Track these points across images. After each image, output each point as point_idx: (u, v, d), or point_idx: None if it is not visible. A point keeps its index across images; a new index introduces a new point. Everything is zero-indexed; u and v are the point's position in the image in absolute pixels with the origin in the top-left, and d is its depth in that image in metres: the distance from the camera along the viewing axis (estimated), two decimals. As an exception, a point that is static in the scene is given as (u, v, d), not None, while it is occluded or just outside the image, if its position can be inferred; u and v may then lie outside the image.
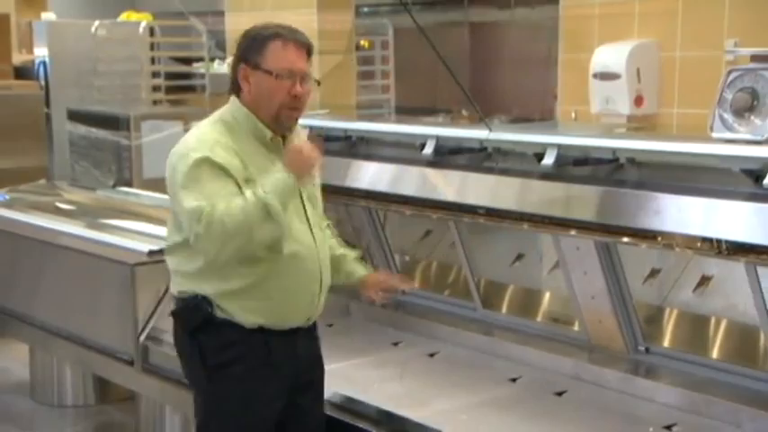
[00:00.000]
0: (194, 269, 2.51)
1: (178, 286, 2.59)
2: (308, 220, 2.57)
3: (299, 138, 2.62)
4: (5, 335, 4.71)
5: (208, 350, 2.53)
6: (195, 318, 2.52)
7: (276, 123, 2.52)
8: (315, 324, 2.70)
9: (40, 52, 6.92)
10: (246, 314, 2.51)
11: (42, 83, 6.70)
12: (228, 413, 2.55)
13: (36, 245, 4.15)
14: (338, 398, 2.93)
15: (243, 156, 2.46)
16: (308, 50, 2.53)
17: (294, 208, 2.51)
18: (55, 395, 4.60)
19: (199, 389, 2.62)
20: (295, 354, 2.59)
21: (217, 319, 2.51)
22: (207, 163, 2.41)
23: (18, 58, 6.72)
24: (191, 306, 2.53)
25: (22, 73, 6.56)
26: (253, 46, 2.50)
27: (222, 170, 2.41)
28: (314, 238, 2.57)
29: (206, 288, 2.51)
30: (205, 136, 2.49)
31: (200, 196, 2.39)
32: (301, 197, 2.56)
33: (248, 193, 2.40)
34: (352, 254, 2.83)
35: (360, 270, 2.82)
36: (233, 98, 2.56)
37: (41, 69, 6.76)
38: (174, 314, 2.60)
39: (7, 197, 4.81)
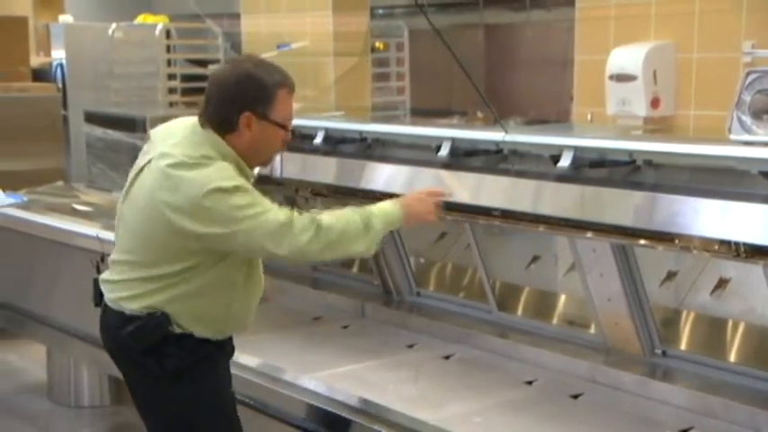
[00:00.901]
0: (166, 293, 2.50)
1: (137, 304, 2.52)
2: None
3: None
4: (23, 335, 4.76)
5: (165, 359, 2.52)
6: (155, 336, 2.51)
7: (263, 166, 2.64)
8: None
9: (58, 54, 6.96)
10: (202, 330, 2.56)
11: (60, 85, 6.74)
12: (208, 407, 2.58)
13: (53, 246, 4.18)
14: (353, 399, 2.93)
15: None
16: None
17: None
18: (72, 396, 4.63)
19: (162, 401, 2.60)
20: (232, 348, 2.75)
21: (174, 334, 2.53)
22: (246, 188, 2.43)
23: (36, 60, 6.76)
24: (150, 326, 2.51)
25: (40, 75, 6.60)
26: (262, 95, 2.46)
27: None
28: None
29: (168, 307, 2.51)
30: (219, 168, 2.43)
31: (278, 211, 2.43)
32: None
33: (354, 210, 2.51)
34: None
35: None
36: (212, 134, 2.47)
37: (59, 71, 6.80)
38: (130, 334, 2.52)
39: (25, 199, 4.85)
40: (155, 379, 2.55)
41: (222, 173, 2.43)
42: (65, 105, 6.64)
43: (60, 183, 5.45)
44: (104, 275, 2.66)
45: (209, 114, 2.49)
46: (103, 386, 4.57)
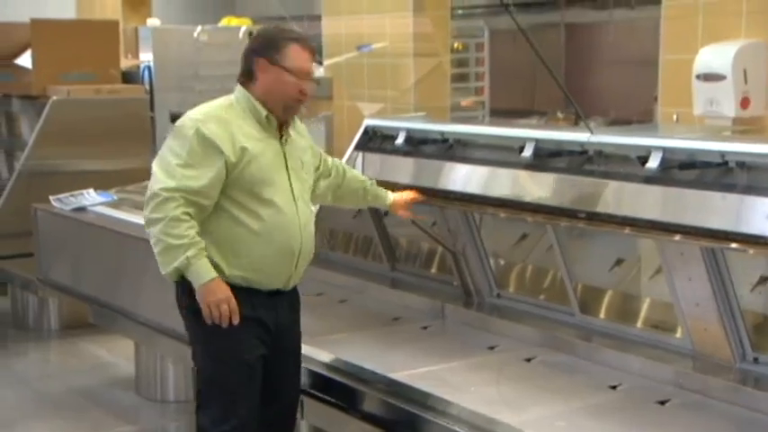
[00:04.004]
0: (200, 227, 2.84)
1: None
2: (292, 192, 2.94)
3: (297, 128, 3.06)
4: (112, 331, 4.89)
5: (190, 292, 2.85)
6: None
7: (283, 112, 2.92)
8: (297, 295, 3.07)
9: (146, 57, 7.13)
10: (230, 268, 2.85)
11: (147, 87, 6.90)
12: (217, 350, 2.87)
13: (141, 243, 4.28)
14: (433, 400, 2.93)
15: (239, 126, 2.85)
16: (315, 56, 2.99)
17: (280, 182, 2.90)
18: (158, 390, 4.74)
19: (191, 331, 2.98)
20: (276, 314, 2.95)
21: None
22: (198, 136, 2.80)
23: (124, 63, 6.95)
24: None
25: (129, 77, 6.77)
26: (272, 45, 2.88)
27: (210, 144, 2.79)
28: (297, 210, 2.93)
29: (204, 239, 2.83)
30: (204, 109, 2.90)
31: (177, 174, 2.78)
32: (287, 171, 2.93)
33: (190, 248, 2.75)
34: (371, 182, 3.41)
35: (385, 194, 3.42)
36: (238, 86, 2.94)
37: (146, 74, 6.98)
38: None
39: (115, 197, 4.99)
40: (183, 311, 2.92)
41: (198, 115, 2.85)
42: (152, 107, 6.80)
43: (148, 182, 5.58)
44: None
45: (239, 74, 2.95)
46: (189, 381, 4.65)
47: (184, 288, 2.88)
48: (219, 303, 2.78)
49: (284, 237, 2.90)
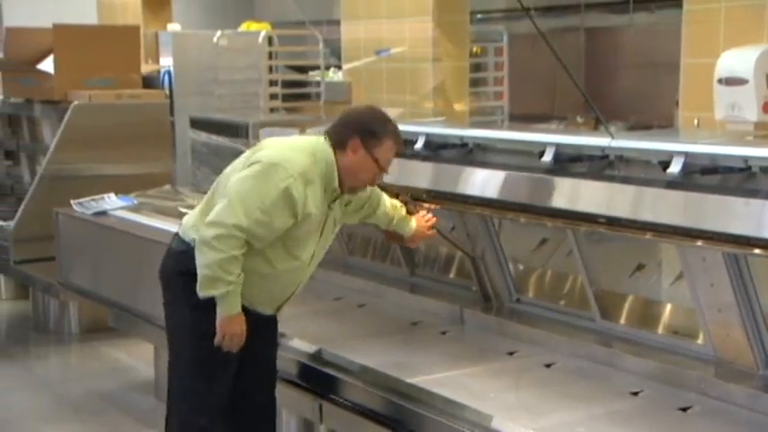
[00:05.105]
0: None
1: (195, 234, 2.99)
2: (314, 248, 3.09)
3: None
4: (132, 334, 4.92)
5: (191, 286, 2.97)
6: (193, 263, 2.96)
7: (348, 189, 3.08)
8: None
9: (166, 62, 7.18)
10: None
11: (167, 92, 6.94)
12: (201, 332, 3.00)
13: (161, 248, 4.30)
14: (452, 406, 2.92)
15: (313, 191, 2.95)
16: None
17: (311, 242, 3.05)
18: (177, 393, 4.75)
19: (180, 318, 3.11)
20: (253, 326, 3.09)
21: None
22: (286, 194, 2.88)
23: (145, 68, 7.00)
24: (193, 254, 2.97)
25: (149, 82, 6.82)
26: (373, 133, 3.00)
27: (292, 205, 2.90)
28: (312, 259, 3.10)
29: None
30: (299, 164, 2.93)
31: (253, 217, 2.86)
32: (321, 233, 3.07)
33: (233, 284, 2.91)
34: (400, 216, 3.46)
35: (409, 229, 3.49)
36: (329, 146, 3.01)
37: (166, 78, 7.03)
38: (180, 253, 3.06)
39: (135, 202, 5.02)
40: (178, 300, 3.05)
41: (294, 168, 2.89)
42: (172, 111, 6.84)
43: (168, 186, 5.62)
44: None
45: (329, 129, 3.06)
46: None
47: (189, 288, 3.00)
48: (234, 337, 2.99)
49: (291, 280, 3.11)
